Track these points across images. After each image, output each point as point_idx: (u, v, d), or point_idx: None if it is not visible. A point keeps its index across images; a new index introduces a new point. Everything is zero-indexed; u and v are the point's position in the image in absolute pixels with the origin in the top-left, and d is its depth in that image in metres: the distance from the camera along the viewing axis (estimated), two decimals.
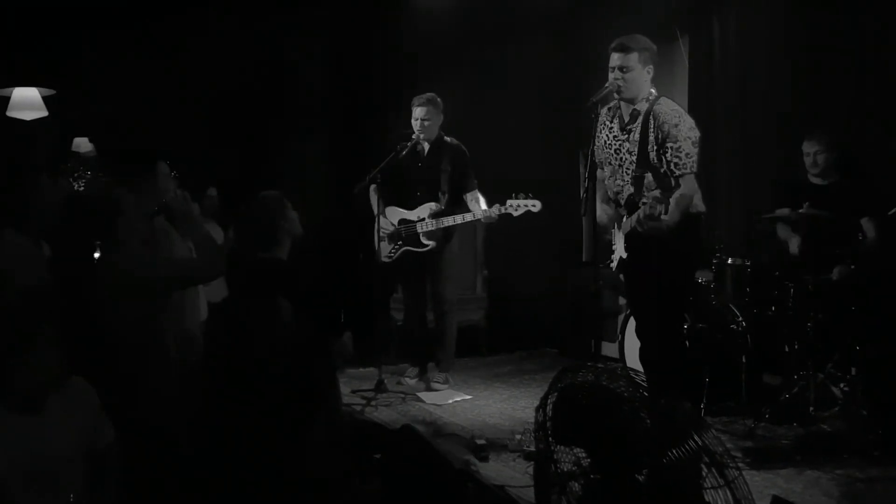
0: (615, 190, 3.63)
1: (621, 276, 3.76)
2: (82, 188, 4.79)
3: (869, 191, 4.13)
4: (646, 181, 3.47)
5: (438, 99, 4.78)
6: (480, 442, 3.65)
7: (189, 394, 2.89)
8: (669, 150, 3.38)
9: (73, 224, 3.00)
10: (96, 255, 2.97)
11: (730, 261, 4.44)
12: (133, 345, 2.87)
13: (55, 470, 2.24)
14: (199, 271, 3.06)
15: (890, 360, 3.74)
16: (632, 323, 4.28)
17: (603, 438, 2.16)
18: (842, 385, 3.90)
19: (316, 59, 6.37)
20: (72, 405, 2.33)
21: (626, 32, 3.52)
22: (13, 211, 2.84)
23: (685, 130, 3.39)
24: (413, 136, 4.75)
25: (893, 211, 3.84)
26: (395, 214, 4.88)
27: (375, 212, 4.86)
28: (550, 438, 2.21)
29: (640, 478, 2.18)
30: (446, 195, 4.77)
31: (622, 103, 3.55)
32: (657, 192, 3.37)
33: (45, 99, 5.66)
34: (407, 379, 4.95)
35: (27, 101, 5.61)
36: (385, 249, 4.87)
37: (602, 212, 3.66)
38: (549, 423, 2.21)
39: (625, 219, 3.54)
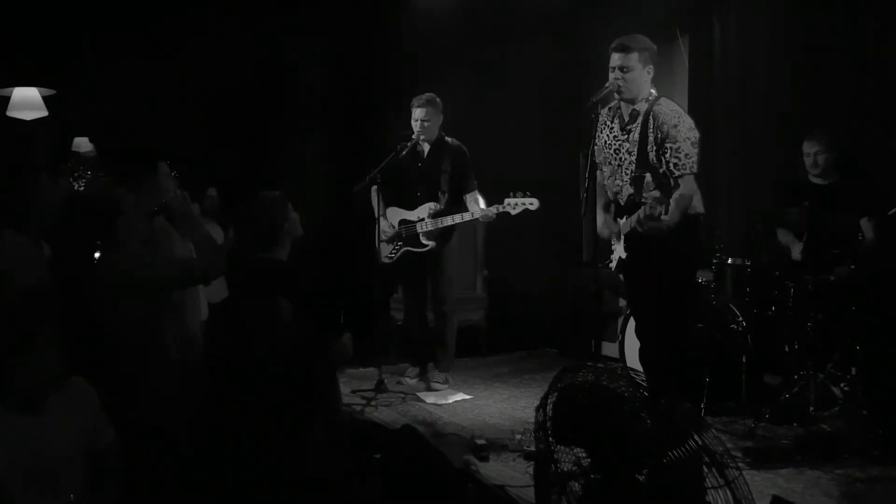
0: (614, 190, 3.63)
1: (621, 275, 3.76)
2: (82, 188, 4.79)
3: (869, 191, 4.13)
4: (645, 181, 3.47)
5: (438, 99, 4.78)
6: (480, 442, 3.65)
7: (189, 394, 2.89)
8: (668, 151, 3.38)
9: (73, 224, 3.00)
10: (97, 255, 2.97)
11: (730, 261, 4.44)
12: (133, 345, 2.87)
13: (55, 470, 2.24)
14: (199, 271, 3.06)
15: (890, 360, 3.74)
16: (632, 323, 4.28)
17: (603, 438, 2.16)
18: (842, 385, 3.90)
19: (316, 59, 6.36)
20: (72, 405, 2.33)
21: (626, 32, 3.52)
22: (13, 211, 2.84)
23: (684, 131, 3.39)
24: (413, 137, 4.75)
25: (893, 211, 3.84)
26: (395, 215, 4.88)
27: (377, 213, 4.86)
28: (550, 438, 2.21)
29: (641, 478, 2.18)
30: (446, 195, 4.77)
31: (622, 103, 3.55)
32: (656, 193, 3.38)
33: (46, 99, 5.66)
34: (407, 379, 4.95)
35: (27, 101, 5.61)
36: (385, 250, 4.87)
37: (603, 224, 3.66)
38: (549, 423, 2.21)
39: (625, 219, 3.54)
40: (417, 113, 4.74)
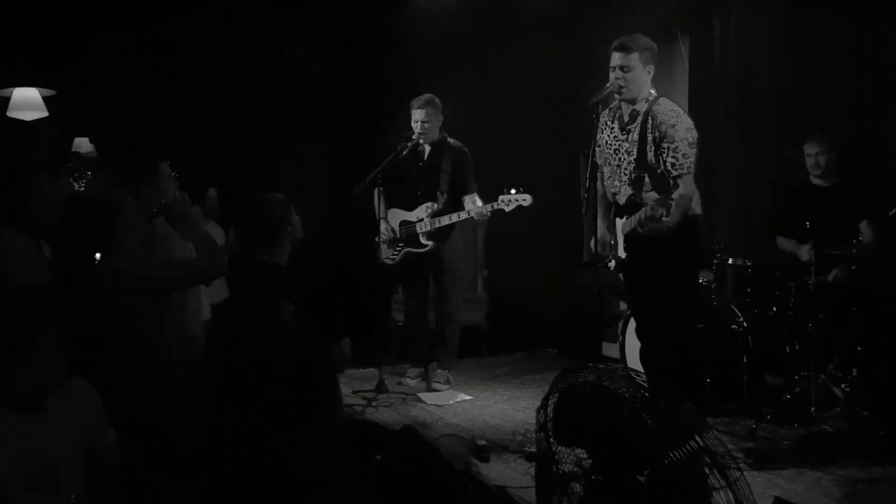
0: (613, 191, 3.63)
1: (620, 275, 3.76)
2: (83, 188, 4.78)
3: (870, 191, 4.13)
4: (645, 181, 3.47)
5: (437, 100, 4.78)
6: (481, 443, 3.64)
7: (189, 394, 2.89)
8: (666, 151, 3.38)
9: (73, 224, 3.00)
10: (97, 256, 2.96)
11: (730, 261, 4.43)
12: (133, 345, 2.87)
13: (55, 470, 2.24)
14: (200, 272, 3.06)
15: (891, 361, 3.73)
16: (632, 323, 4.28)
17: (604, 439, 2.16)
18: (843, 386, 3.89)
19: (316, 60, 6.36)
20: (72, 405, 2.33)
21: (626, 32, 3.52)
22: (13, 211, 2.84)
23: (682, 131, 3.39)
24: (413, 138, 4.75)
25: (894, 212, 3.84)
26: (396, 216, 4.88)
27: (377, 214, 4.87)
28: (552, 439, 2.21)
29: (642, 479, 2.17)
30: (445, 195, 4.76)
31: (622, 104, 3.55)
32: (655, 193, 3.38)
33: (46, 99, 5.66)
34: (407, 379, 4.94)
35: (28, 101, 5.61)
36: (386, 252, 4.88)
37: (601, 237, 3.66)
38: (550, 424, 2.21)
39: (624, 219, 3.54)
40: (417, 114, 4.74)
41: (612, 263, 3.67)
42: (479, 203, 4.69)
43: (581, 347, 5.46)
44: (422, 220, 4.77)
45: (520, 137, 5.81)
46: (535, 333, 6.00)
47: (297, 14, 6.11)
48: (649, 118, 3.44)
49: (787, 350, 4.09)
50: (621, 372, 2.42)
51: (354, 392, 4.65)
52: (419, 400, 4.60)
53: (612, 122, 3.60)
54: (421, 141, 4.77)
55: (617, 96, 3.51)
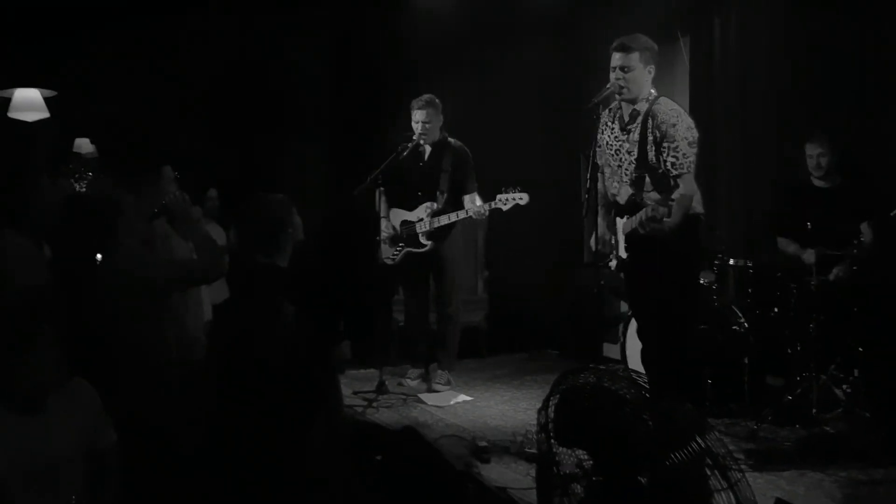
0: (613, 191, 3.63)
1: (621, 274, 3.75)
2: (84, 189, 4.78)
3: (870, 192, 4.13)
4: (645, 181, 3.46)
5: (437, 100, 4.78)
6: (482, 443, 3.64)
7: (189, 394, 2.89)
8: (666, 150, 3.38)
9: (74, 224, 3.00)
10: (98, 257, 2.96)
11: (732, 262, 4.43)
12: (133, 345, 2.87)
13: (56, 470, 2.24)
14: (200, 272, 3.06)
15: (892, 362, 3.73)
16: (633, 324, 4.28)
17: (605, 440, 2.15)
18: (844, 387, 3.89)
19: (316, 60, 6.35)
20: (72, 405, 2.32)
21: (626, 32, 3.51)
22: (14, 211, 2.84)
23: (682, 130, 3.39)
24: (414, 139, 4.75)
25: (895, 212, 3.83)
26: (397, 216, 4.88)
27: (380, 213, 4.87)
28: (552, 440, 2.21)
29: (643, 480, 2.17)
30: (444, 195, 4.76)
31: (623, 104, 3.55)
32: (656, 193, 3.37)
33: (47, 100, 5.65)
34: (408, 380, 4.94)
35: (28, 102, 5.60)
36: (387, 252, 4.87)
37: (603, 233, 3.66)
38: (550, 425, 2.20)
39: (625, 219, 3.54)
40: (418, 115, 4.74)
41: (613, 263, 3.67)
42: (478, 201, 4.69)
43: (581, 348, 5.46)
44: (422, 219, 4.77)
45: (520, 137, 5.81)
46: (536, 334, 6.00)
47: (297, 14, 6.11)
48: (650, 118, 3.43)
49: (789, 351, 4.09)
50: (622, 373, 2.42)
51: (355, 393, 4.65)
52: (419, 401, 4.60)
53: (613, 123, 3.60)
54: (421, 141, 4.77)
55: (617, 96, 3.50)
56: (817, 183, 4.26)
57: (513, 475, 3.35)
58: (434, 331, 4.97)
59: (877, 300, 3.88)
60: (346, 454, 2.91)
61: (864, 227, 4.03)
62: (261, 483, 2.50)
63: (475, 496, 3.15)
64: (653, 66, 3.47)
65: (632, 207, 3.48)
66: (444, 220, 4.72)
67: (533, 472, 2.63)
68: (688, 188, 3.37)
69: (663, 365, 3.43)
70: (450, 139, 4.82)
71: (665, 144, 3.38)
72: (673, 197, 3.23)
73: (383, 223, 4.89)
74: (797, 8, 4.66)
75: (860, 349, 3.85)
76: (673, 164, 3.37)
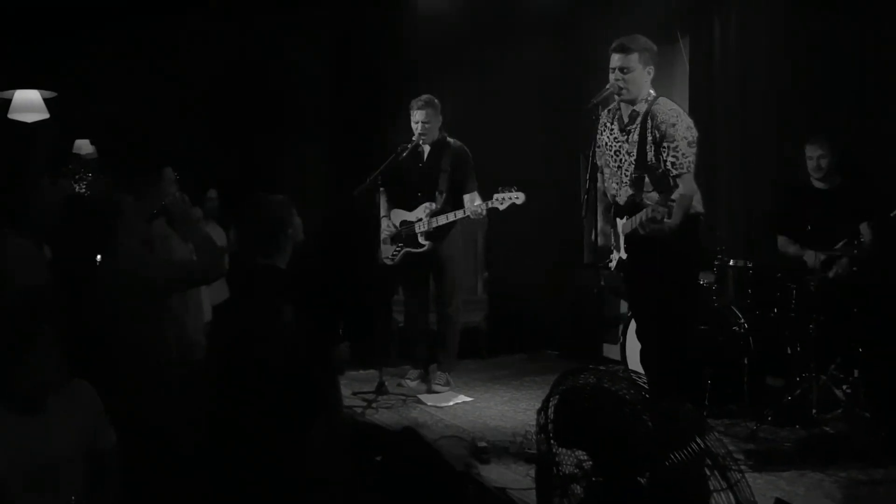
0: (612, 193, 3.63)
1: (621, 274, 3.75)
2: (83, 190, 4.79)
3: (870, 192, 4.13)
4: (645, 182, 3.46)
5: (436, 100, 4.78)
6: (482, 444, 3.64)
7: (189, 394, 2.89)
8: (666, 150, 3.38)
9: (73, 225, 3.00)
10: (98, 257, 2.96)
11: (731, 262, 4.43)
12: (133, 345, 2.87)
13: (55, 470, 2.24)
14: (199, 273, 3.06)
15: (892, 362, 3.73)
16: (633, 325, 4.27)
17: (605, 441, 2.15)
18: (844, 387, 3.89)
19: (316, 60, 6.36)
20: (72, 406, 2.32)
21: (626, 33, 3.51)
22: (14, 212, 2.84)
23: (682, 130, 3.39)
24: (413, 139, 4.75)
25: (895, 213, 3.84)
26: (398, 217, 4.89)
27: (381, 215, 4.88)
28: (552, 441, 2.21)
29: (642, 480, 2.17)
30: (444, 195, 4.77)
31: (622, 105, 3.55)
32: (655, 194, 3.37)
33: (47, 101, 5.65)
34: (408, 381, 4.94)
35: (28, 103, 5.60)
36: (387, 251, 4.88)
37: (601, 232, 3.66)
38: (550, 426, 2.20)
39: (625, 219, 3.54)
40: (417, 115, 4.74)
41: (613, 264, 3.67)
42: (477, 200, 4.69)
43: (581, 349, 5.46)
44: (420, 220, 4.77)
45: (520, 137, 5.81)
46: (536, 334, 5.99)
47: (297, 14, 6.11)
48: (649, 118, 3.43)
49: (788, 351, 4.09)
50: (622, 373, 2.42)
51: (354, 393, 4.65)
52: (419, 401, 4.59)
53: (612, 124, 3.60)
54: (421, 141, 4.77)
55: (616, 97, 3.50)
56: (817, 184, 4.26)
57: (512, 476, 3.34)
58: (434, 331, 4.97)
59: (876, 300, 3.88)
60: (346, 455, 2.91)
61: (863, 227, 4.03)
62: (261, 483, 2.50)
63: (475, 497, 3.15)
64: (652, 67, 3.47)
65: (631, 208, 3.48)
66: (442, 220, 4.72)
67: (532, 473, 2.62)
68: (687, 188, 3.37)
69: (663, 365, 3.43)
70: (449, 139, 4.82)
71: (665, 144, 3.38)
72: (673, 197, 3.23)
73: (384, 223, 4.90)
74: (797, 8, 4.66)
75: (860, 349, 3.85)
76: (673, 163, 3.37)
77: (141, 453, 2.57)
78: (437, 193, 4.76)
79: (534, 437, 2.39)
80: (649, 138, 3.42)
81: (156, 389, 2.88)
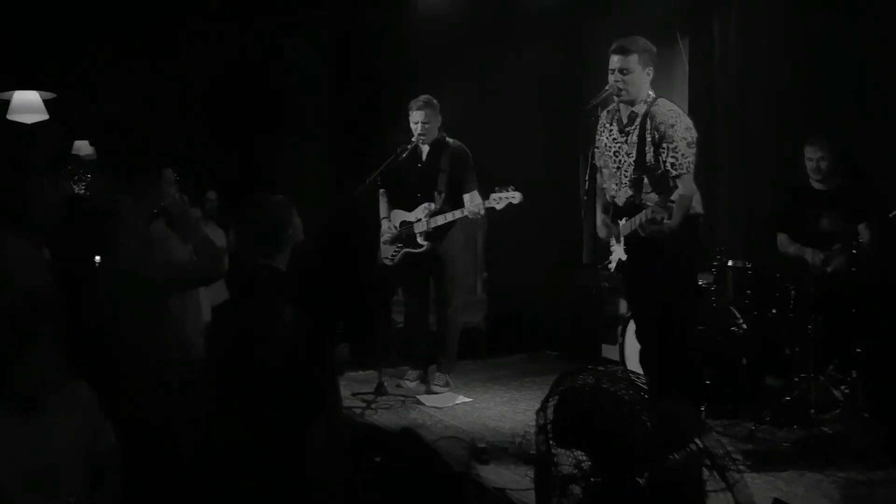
0: (611, 194, 3.63)
1: (621, 275, 3.75)
2: (83, 191, 4.79)
3: (869, 192, 4.13)
4: (644, 183, 3.47)
5: (435, 101, 4.78)
6: (481, 445, 3.65)
7: (189, 394, 2.89)
8: (665, 151, 3.38)
9: (73, 226, 3.00)
10: (97, 258, 2.97)
11: (730, 263, 4.43)
12: (133, 345, 2.87)
13: (55, 471, 2.24)
14: (199, 274, 3.06)
15: (891, 362, 3.73)
16: (632, 325, 4.28)
17: (604, 441, 2.16)
18: (843, 387, 3.89)
19: (316, 60, 6.36)
20: (72, 406, 2.32)
21: (626, 33, 3.52)
22: (13, 212, 2.84)
23: (681, 131, 3.39)
24: (413, 140, 4.75)
25: (894, 213, 3.84)
26: (398, 217, 4.89)
27: (382, 215, 4.88)
28: (551, 441, 2.21)
29: (641, 481, 2.17)
30: (443, 194, 4.77)
31: (621, 106, 3.55)
32: (654, 195, 3.38)
33: (46, 102, 5.66)
34: (407, 382, 4.94)
35: (28, 104, 5.60)
36: (387, 252, 4.88)
37: (602, 224, 3.66)
38: (549, 426, 2.21)
39: (624, 220, 3.54)
40: (416, 115, 4.74)
41: (613, 265, 3.67)
42: (479, 201, 4.69)
43: (581, 349, 5.46)
44: (419, 220, 4.77)
45: (520, 138, 5.81)
46: (535, 335, 5.99)
47: (297, 14, 6.11)
48: (648, 119, 3.44)
49: (787, 352, 4.09)
50: (621, 374, 2.42)
51: (354, 394, 4.65)
52: (418, 402, 4.60)
53: (611, 125, 3.60)
54: (420, 142, 4.77)
55: (616, 98, 3.51)
56: (816, 186, 4.26)
57: (512, 476, 3.35)
58: (433, 332, 4.97)
59: (875, 301, 3.88)
60: (346, 455, 2.92)
61: (861, 227, 4.03)
62: (261, 483, 2.50)
63: (474, 497, 3.15)
64: (651, 68, 3.47)
65: (630, 209, 3.49)
66: (441, 220, 4.72)
67: (532, 474, 2.62)
68: (687, 188, 3.38)
69: (663, 366, 3.43)
70: (448, 139, 4.82)
71: (664, 145, 3.38)
72: (672, 198, 3.24)
73: (385, 225, 4.90)
74: (797, 8, 4.67)
75: (858, 350, 3.85)
76: (672, 164, 3.38)
77: (141, 453, 2.57)
78: (435, 193, 4.76)
79: (533, 437, 2.39)
80: (648, 139, 3.42)
81: (155, 390, 2.88)
